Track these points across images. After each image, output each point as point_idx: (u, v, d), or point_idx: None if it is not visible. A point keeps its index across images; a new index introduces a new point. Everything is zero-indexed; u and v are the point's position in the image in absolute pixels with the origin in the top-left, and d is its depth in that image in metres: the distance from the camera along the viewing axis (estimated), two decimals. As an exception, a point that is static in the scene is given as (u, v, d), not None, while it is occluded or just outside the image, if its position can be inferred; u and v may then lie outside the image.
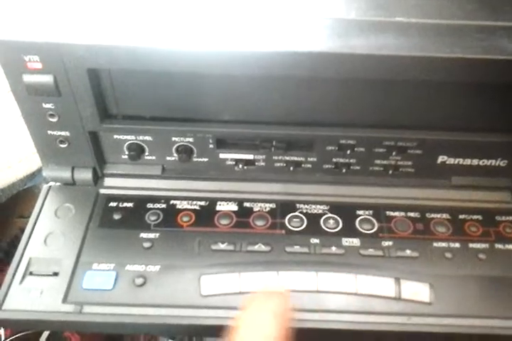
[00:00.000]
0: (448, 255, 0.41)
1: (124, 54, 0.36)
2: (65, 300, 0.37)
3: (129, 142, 0.44)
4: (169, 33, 0.36)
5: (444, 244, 0.42)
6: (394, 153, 0.44)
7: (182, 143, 0.44)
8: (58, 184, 0.46)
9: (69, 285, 0.38)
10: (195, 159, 0.45)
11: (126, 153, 0.44)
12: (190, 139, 0.44)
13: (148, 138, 0.44)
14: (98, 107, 0.40)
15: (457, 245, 0.42)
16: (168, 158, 0.45)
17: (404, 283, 0.39)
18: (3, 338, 0.68)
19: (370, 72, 0.36)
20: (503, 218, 0.44)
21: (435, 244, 0.42)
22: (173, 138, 0.43)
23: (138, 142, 0.44)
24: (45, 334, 0.71)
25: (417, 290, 0.39)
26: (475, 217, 0.44)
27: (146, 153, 0.45)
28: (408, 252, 0.41)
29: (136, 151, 0.44)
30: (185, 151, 0.44)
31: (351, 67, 0.36)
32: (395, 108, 0.42)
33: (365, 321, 0.37)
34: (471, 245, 0.42)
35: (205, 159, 0.45)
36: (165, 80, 0.40)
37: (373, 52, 0.35)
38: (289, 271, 0.40)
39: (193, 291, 0.38)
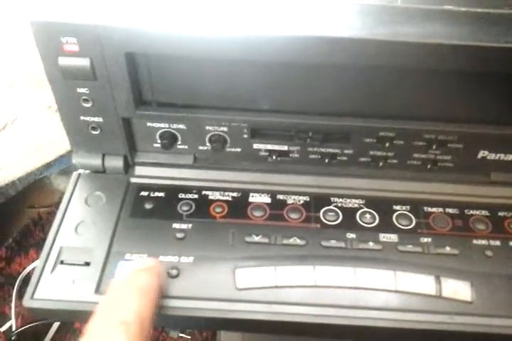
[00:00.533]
0: (488, 253, 0.40)
1: (162, 39, 0.35)
2: (97, 290, 0.36)
3: (162, 130, 0.43)
4: (209, 19, 0.35)
5: (484, 242, 0.41)
6: (434, 147, 0.42)
7: (216, 132, 0.43)
8: (88, 171, 0.45)
9: (101, 275, 0.37)
10: (228, 149, 0.44)
11: (159, 141, 0.43)
12: (224, 128, 0.42)
13: (181, 126, 0.42)
14: (133, 93, 0.39)
15: (497, 243, 0.41)
16: (200, 148, 0.44)
17: (444, 280, 0.38)
18: (14, 328, 0.68)
19: (419, 61, 0.35)
20: (543, 216, 0.43)
21: (475, 242, 0.41)
22: (207, 127, 0.42)
23: (171, 130, 0.43)
24: (56, 325, 0.71)
25: (458, 289, 0.38)
26: (514, 214, 0.43)
27: (179, 142, 0.44)
28: (448, 249, 0.40)
29: (169, 140, 0.43)
30: (218, 141, 0.43)
31: (398, 56, 0.35)
32: (437, 100, 0.40)
33: (405, 319, 0.36)
34: (511, 243, 0.41)
35: (239, 149, 0.44)
36: (202, 67, 0.39)
37: (424, 40, 0.34)
38: (326, 265, 0.39)
39: (228, 284, 0.37)
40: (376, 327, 0.36)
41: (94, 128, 0.42)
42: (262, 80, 0.40)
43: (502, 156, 0.43)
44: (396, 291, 0.37)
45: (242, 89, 0.40)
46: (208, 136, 0.43)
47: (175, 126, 0.42)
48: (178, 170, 0.45)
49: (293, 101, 0.41)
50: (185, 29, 0.35)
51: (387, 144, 0.42)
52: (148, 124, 0.42)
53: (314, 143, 0.43)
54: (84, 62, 0.37)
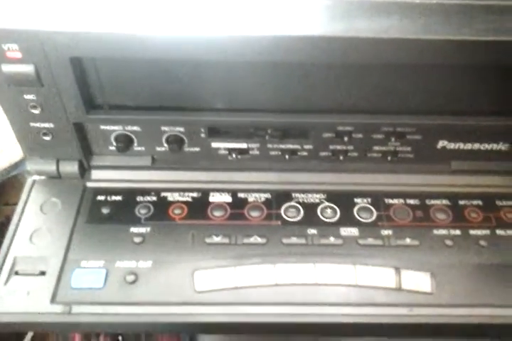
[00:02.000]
0: (448, 242, 0.40)
1: (107, 41, 0.34)
2: (53, 300, 0.36)
3: (117, 133, 0.42)
4: (155, 19, 0.34)
5: (444, 232, 0.41)
6: (393, 139, 0.42)
7: (172, 133, 0.42)
8: (43, 177, 0.44)
9: (57, 284, 0.37)
10: (186, 149, 0.43)
11: (114, 144, 0.43)
12: (181, 129, 0.42)
13: (136, 128, 0.42)
14: (83, 97, 0.38)
15: (458, 232, 0.41)
16: (158, 149, 0.43)
17: (404, 273, 0.38)
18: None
19: (374, 56, 0.34)
20: (504, 203, 0.43)
21: (435, 232, 0.41)
22: (163, 128, 0.42)
23: (126, 133, 0.42)
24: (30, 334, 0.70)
25: (418, 280, 0.38)
26: (475, 202, 0.43)
27: (135, 144, 0.43)
28: (408, 241, 0.40)
29: (125, 142, 0.42)
30: (175, 141, 0.42)
31: (354, 52, 0.34)
32: (393, 93, 0.40)
33: (366, 313, 0.36)
34: (471, 232, 0.41)
35: (197, 149, 0.43)
36: (152, 68, 0.38)
37: (379, 35, 0.33)
38: (286, 263, 0.38)
39: (187, 287, 0.37)
40: (336, 323, 0.36)
41: (45, 134, 0.41)
42: (216, 79, 0.39)
43: (461, 145, 0.43)
44: (356, 286, 0.37)
45: (196, 89, 0.40)
46: (165, 136, 0.42)
47: (129, 128, 0.42)
48: (136, 172, 0.44)
49: (249, 99, 0.40)
50: (129, 31, 0.34)
51: (346, 138, 0.42)
52: (102, 127, 0.42)
53: (273, 140, 0.43)
54: (28, 69, 0.35)
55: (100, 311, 0.35)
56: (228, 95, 0.40)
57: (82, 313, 0.35)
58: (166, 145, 0.43)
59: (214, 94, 0.40)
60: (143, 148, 0.43)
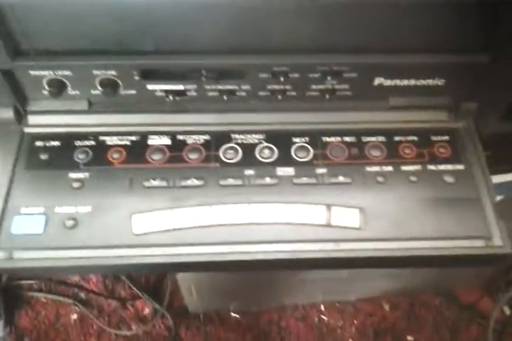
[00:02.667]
0: (380, 179, 0.41)
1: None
2: (-5, 247, 0.37)
3: (48, 78, 0.41)
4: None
5: (377, 168, 0.42)
6: (329, 78, 0.42)
7: (105, 77, 0.41)
8: (-22, 125, 0.43)
9: (-2, 231, 0.38)
10: (122, 92, 0.43)
11: (47, 89, 0.42)
12: (113, 72, 0.41)
13: (67, 72, 0.41)
14: (6, 44, 0.37)
15: (390, 168, 0.42)
16: (93, 92, 0.43)
17: (334, 209, 0.39)
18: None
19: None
20: (438, 138, 0.44)
21: (368, 169, 0.42)
22: (95, 72, 0.41)
23: (57, 77, 0.41)
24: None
25: (347, 216, 0.39)
26: (410, 138, 0.44)
27: (69, 88, 0.42)
28: (341, 179, 0.41)
29: (58, 87, 0.41)
30: (109, 84, 0.41)
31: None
32: (327, 32, 0.39)
33: (297, 250, 0.38)
34: (403, 168, 0.42)
35: (133, 91, 0.43)
36: (78, 11, 0.36)
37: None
38: (222, 204, 0.40)
39: (126, 230, 0.38)
40: (269, 259, 0.38)
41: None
42: (144, 19, 0.37)
43: (398, 82, 0.43)
44: (288, 223, 0.39)
45: (124, 30, 0.38)
46: (98, 80, 0.41)
47: (60, 72, 0.41)
48: (73, 117, 0.44)
49: (180, 40, 0.39)
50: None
51: (282, 78, 0.41)
52: (32, 73, 0.40)
53: (210, 81, 0.42)
54: None
55: (41, 256, 0.37)
56: (158, 36, 0.39)
57: (23, 259, 0.37)
58: (100, 88, 0.42)
59: (143, 35, 0.39)
60: (77, 92, 0.43)
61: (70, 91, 0.43)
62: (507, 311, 0.88)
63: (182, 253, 0.38)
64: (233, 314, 0.90)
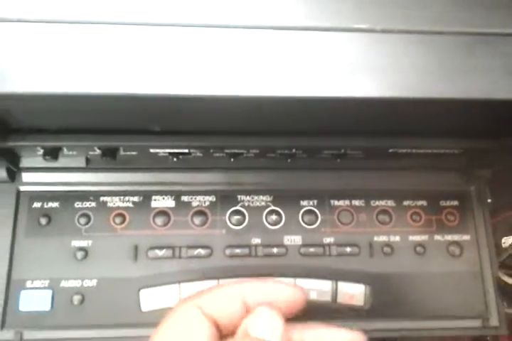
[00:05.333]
0: (387, 250, 0.41)
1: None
2: (3, 326, 0.37)
3: (43, 148, 0.38)
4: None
5: (384, 238, 0.42)
6: (342, 150, 0.40)
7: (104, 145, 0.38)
8: (-30, 182, 0.41)
9: (4, 308, 0.38)
10: (121, 153, 0.40)
11: (42, 156, 0.38)
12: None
13: (64, 143, 0.37)
14: None
15: (397, 239, 0.42)
16: (91, 153, 0.40)
17: (340, 286, 0.40)
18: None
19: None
20: (448, 203, 0.44)
21: (376, 239, 0.42)
22: (90, 143, 0.38)
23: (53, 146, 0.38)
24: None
25: (352, 293, 0.40)
26: (420, 203, 0.43)
27: (65, 151, 0.39)
28: (348, 250, 0.41)
29: (53, 154, 0.38)
30: (108, 150, 0.39)
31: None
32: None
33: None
34: (410, 238, 0.42)
35: (134, 153, 0.40)
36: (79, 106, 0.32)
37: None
38: (229, 278, 0.40)
39: (133, 307, 0.38)
40: None
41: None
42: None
43: (413, 150, 0.41)
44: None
45: (127, 119, 0.35)
46: (96, 147, 0.39)
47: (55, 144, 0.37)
48: (71, 174, 0.41)
49: (187, 124, 0.36)
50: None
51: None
52: (25, 145, 0.37)
53: (216, 150, 0.40)
54: None
55: (51, 336, 0.37)
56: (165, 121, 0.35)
57: (34, 339, 0.37)
58: (98, 151, 0.39)
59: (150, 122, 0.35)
60: (75, 152, 0.40)
61: (67, 152, 0.40)
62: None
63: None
64: None
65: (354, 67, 0.28)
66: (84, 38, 0.27)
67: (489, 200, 0.42)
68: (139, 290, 0.39)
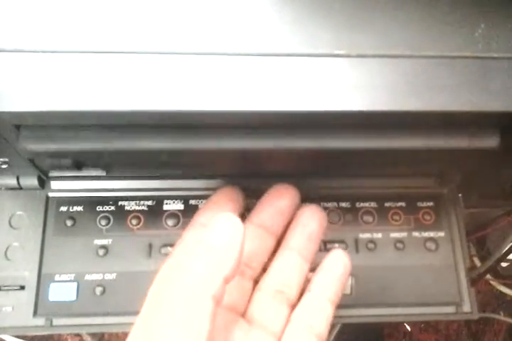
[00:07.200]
0: (370, 246, 0.47)
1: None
2: (35, 314, 0.43)
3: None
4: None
5: (368, 235, 0.47)
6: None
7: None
8: (3, 189, 0.47)
9: (36, 298, 0.43)
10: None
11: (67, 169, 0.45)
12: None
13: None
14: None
15: (380, 235, 0.48)
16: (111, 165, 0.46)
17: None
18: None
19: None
20: (424, 204, 0.49)
21: (361, 235, 0.47)
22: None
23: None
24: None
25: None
26: (399, 204, 0.49)
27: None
28: (336, 246, 0.47)
29: (77, 166, 0.44)
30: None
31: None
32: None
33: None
34: (391, 235, 0.48)
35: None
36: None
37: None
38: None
39: (149, 297, 0.44)
40: None
41: (3, 163, 0.42)
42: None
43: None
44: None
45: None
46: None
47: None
48: (93, 182, 0.47)
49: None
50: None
51: None
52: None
53: None
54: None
55: (77, 323, 0.43)
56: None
57: (62, 325, 0.43)
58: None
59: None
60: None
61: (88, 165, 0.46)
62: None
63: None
64: None
65: (335, 86, 0.34)
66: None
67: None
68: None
